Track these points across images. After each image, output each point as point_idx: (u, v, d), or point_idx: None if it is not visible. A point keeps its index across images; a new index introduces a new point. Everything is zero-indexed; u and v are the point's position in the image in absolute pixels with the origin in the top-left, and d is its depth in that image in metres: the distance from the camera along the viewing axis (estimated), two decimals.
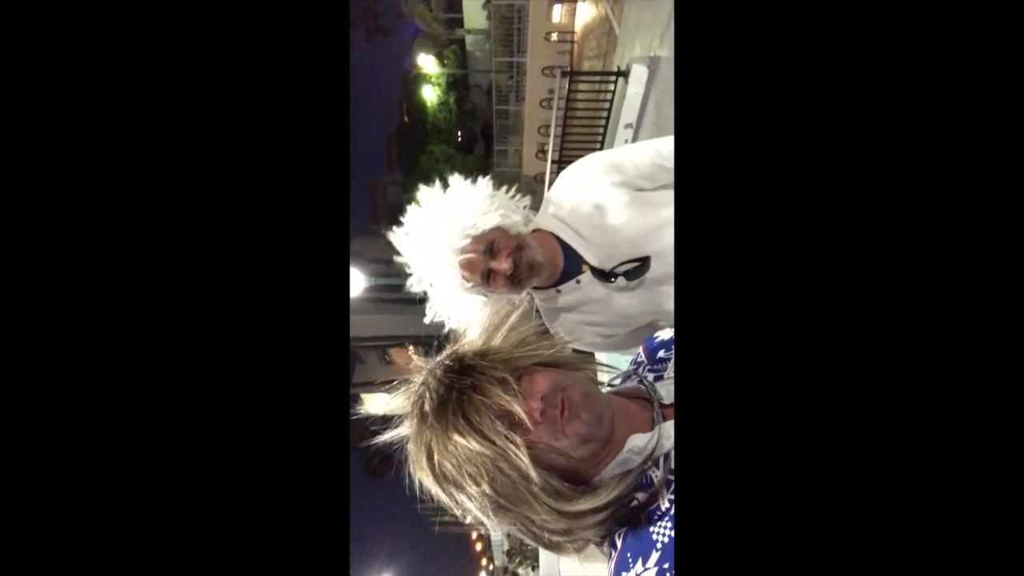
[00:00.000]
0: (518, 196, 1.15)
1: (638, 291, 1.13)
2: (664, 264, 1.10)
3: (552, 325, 1.23)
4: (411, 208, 1.07)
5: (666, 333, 0.81)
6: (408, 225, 1.07)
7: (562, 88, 6.03)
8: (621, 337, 1.24)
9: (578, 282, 1.14)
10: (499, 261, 1.04)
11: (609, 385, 0.77)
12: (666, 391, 0.70)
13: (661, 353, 0.79)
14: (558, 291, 1.16)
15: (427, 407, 0.63)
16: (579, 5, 10.74)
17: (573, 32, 11.06)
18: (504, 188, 1.13)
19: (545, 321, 1.24)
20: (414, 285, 1.09)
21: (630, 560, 0.60)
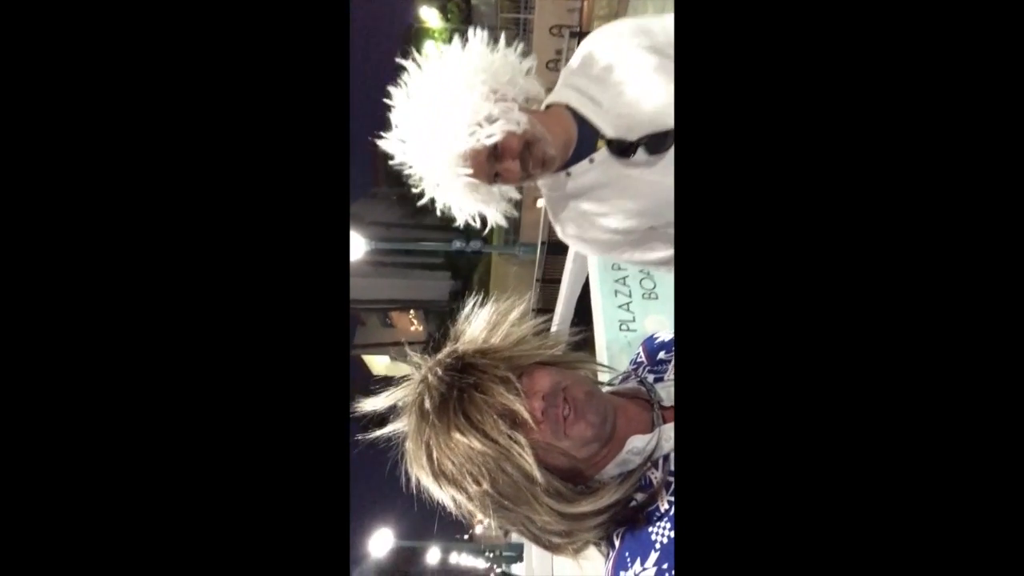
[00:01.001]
0: (522, 60, 0.96)
1: (657, 172, 1.00)
2: None
3: (558, 218, 1.09)
4: (401, 105, 0.92)
5: (667, 335, 0.81)
6: (401, 131, 0.93)
7: (570, 49, 5.88)
8: (637, 237, 1.08)
9: (591, 161, 0.99)
10: (506, 163, 0.92)
11: (608, 385, 0.77)
12: (666, 393, 0.70)
13: (661, 355, 0.78)
14: (568, 174, 1.01)
15: (427, 405, 0.63)
16: None
17: None
18: (502, 52, 0.93)
19: (551, 215, 1.12)
20: (416, 186, 0.97)
21: (628, 559, 0.60)
